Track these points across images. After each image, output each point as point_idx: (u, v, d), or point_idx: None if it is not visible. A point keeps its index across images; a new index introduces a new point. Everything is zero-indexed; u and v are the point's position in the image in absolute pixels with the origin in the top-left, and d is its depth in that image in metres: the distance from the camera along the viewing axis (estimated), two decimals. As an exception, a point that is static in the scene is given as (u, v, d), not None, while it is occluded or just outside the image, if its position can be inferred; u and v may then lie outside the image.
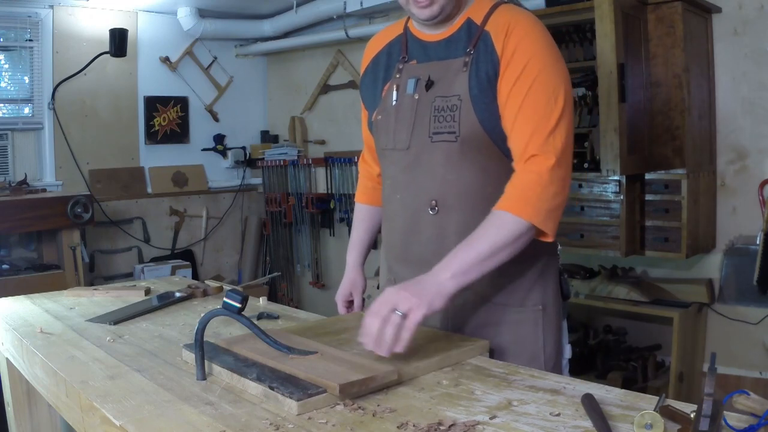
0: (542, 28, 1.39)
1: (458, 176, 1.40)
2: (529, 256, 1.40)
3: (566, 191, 1.35)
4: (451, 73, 1.42)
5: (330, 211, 4.83)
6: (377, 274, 4.59)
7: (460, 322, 1.47)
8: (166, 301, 1.89)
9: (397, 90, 1.49)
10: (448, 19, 1.44)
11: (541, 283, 1.48)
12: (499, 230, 1.28)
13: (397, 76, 1.50)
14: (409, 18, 1.53)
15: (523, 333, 1.46)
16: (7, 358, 1.77)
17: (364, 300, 1.73)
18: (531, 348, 1.46)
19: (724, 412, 0.92)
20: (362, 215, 1.77)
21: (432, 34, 1.48)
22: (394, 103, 1.49)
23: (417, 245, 1.47)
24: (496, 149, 1.39)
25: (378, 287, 1.77)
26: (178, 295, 1.91)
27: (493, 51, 1.37)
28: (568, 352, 1.56)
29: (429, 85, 1.44)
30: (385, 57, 1.57)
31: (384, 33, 1.61)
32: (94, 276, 4.48)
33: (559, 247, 1.56)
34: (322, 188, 4.84)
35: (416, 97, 1.45)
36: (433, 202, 1.43)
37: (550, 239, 1.34)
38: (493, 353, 1.40)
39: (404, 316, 1.18)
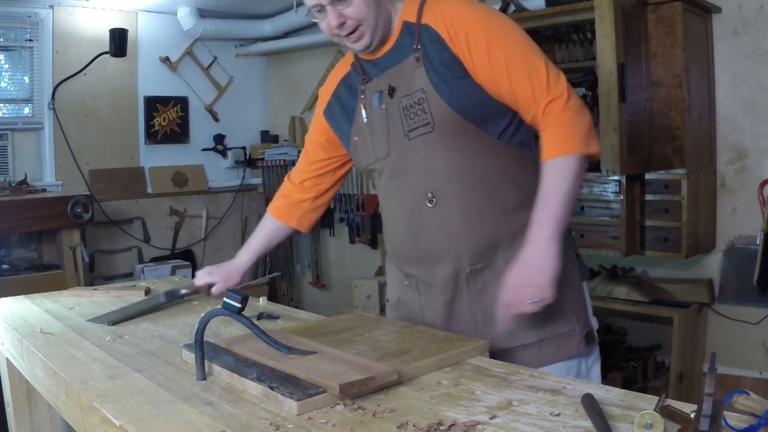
0: (468, 2, 1.46)
1: (446, 163, 1.44)
2: (510, 221, 1.48)
3: (587, 110, 1.42)
4: (407, 72, 1.47)
5: (330, 211, 4.83)
6: (377, 274, 4.59)
7: (486, 305, 1.48)
8: (173, 297, 1.89)
9: (365, 108, 1.55)
10: (385, 39, 1.50)
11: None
12: (561, 174, 1.37)
13: (362, 96, 1.57)
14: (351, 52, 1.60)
15: (546, 313, 1.44)
16: (7, 358, 1.77)
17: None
18: (560, 311, 1.48)
19: (724, 412, 0.92)
20: (266, 224, 1.86)
21: (378, 52, 1.53)
22: (365, 120, 1.56)
23: (423, 241, 1.50)
24: (474, 128, 1.44)
25: (387, 300, 1.77)
26: (183, 292, 1.90)
27: (438, 38, 1.42)
28: (594, 321, 1.58)
29: (391, 92, 1.49)
30: (344, 88, 1.63)
31: (335, 73, 1.68)
32: (94, 276, 4.48)
33: (573, 231, 1.58)
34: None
35: (383, 107, 1.51)
36: (430, 194, 1.47)
37: (598, 156, 1.43)
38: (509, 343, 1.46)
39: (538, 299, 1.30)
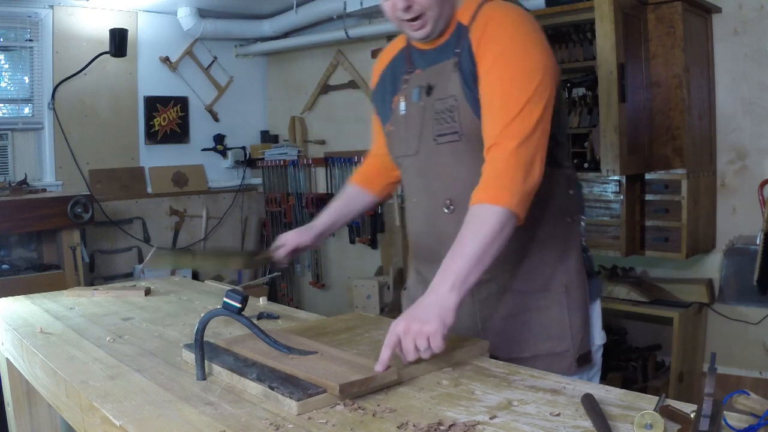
0: (517, 18, 1.39)
1: (469, 173, 1.40)
2: (549, 237, 1.46)
3: (536, 172, 1.31)
4: (445, 75, 1.46)
5: (330, 211, 4.82)
6: (377, 274, 4.59)
7: (486, 314, 1.49)
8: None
9: (405, 100, 1.54)
10: (443, 31, 1.48)
11: (563, 264, 1.49)
12: (483, 226, 1.26)
13: (404, 86, 1.55)
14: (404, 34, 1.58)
15: (550, 317, 1.47)
16: (7, 358, 1.77)
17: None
18: (558, 331, 1.47)
19: (724, 412, 0.92)
20: (347, 190, 1.82)
21: (430, 43, 1.51)
22: (402, 112, 1.55)
23: (435, 244, 1.50)
24: None
25: (405, 288, 1.78)
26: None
27: (470, 48, 1.40)
28: (600, 337, 1.55)
29: (429, 90, 1.48)
30: (390, 71, 1.62)
31: (388, 49, 1.66)
32: (94, 276, 4.48)
33: (583, 222, 1.56)
34: (322, 188, 4.84)
35: (421, 104, 1.50)
36: (448, 201, 1.47)
37: (520, 221, 1.30)
38: (520, 343, 1.47)
39: (427, 347, 1.18)
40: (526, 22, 1.39)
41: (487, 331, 1.49)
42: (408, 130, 1.53)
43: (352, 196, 1.81)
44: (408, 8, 1.39)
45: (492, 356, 1.41)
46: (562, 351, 1.48)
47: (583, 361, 1.50)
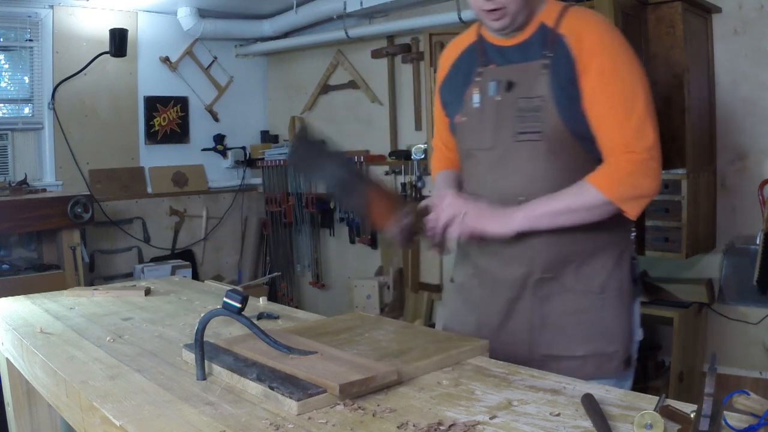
0: (614, 30, 1.48)
1: (544, 173, 1.47)
2: (610, 243, 1.53)
3: (657, 182, 1.44)
4: (531, 75, 1.48)
5: (330, 211, 4.83)
6: (377, 274, 4.60)
7: (546, 311, 1.53)
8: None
9: (480, 93, 1.55)
10: (522, 26, 1.51)
11: (618, 268, 1.55)
12: (578, 196, 1.42)
13: (478, 79, 1.56)
14: (479, 26, 1.61)
15: (604, 318, 1.53)
16: (7, 358, 1.77)
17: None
18: (610, 332, 1.53)
19: (724, 412, 0.92)
20: (444, 175, 1.75)
21: (507, 39, 1.54)
22: (476, 105, 1.55)
23: (503, 240, 1.50)
24: (578, 146, 1.47)
25: (451, 280, 1.77)
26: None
27: (569, 54, 1.44)
28: (639, 334, 1.63)
29: (509, 87, 1.49)
30: (464, 63, 1.62)
31: (458, 41, 1.67)
32: (94, 276, 4.48)
33: (634, 232, 1.62)
34: (322, 188, 4.84)
35: (498, 99, 1.51)
36: (521, 198, 1.49)
37: (631, 216, 1.45)
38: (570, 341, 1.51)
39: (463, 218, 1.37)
40: (619, 33, 1.49)
41: (546, 327, 1.53)
42: (483, 124, 1.54)
43: (455, 180, 1.72)
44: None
45: (547, 356, 1.51)
46: (612, 352, 1.53)
47: (628, 363, 1.56)
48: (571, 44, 1.44)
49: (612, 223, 1.48)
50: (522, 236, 1.47)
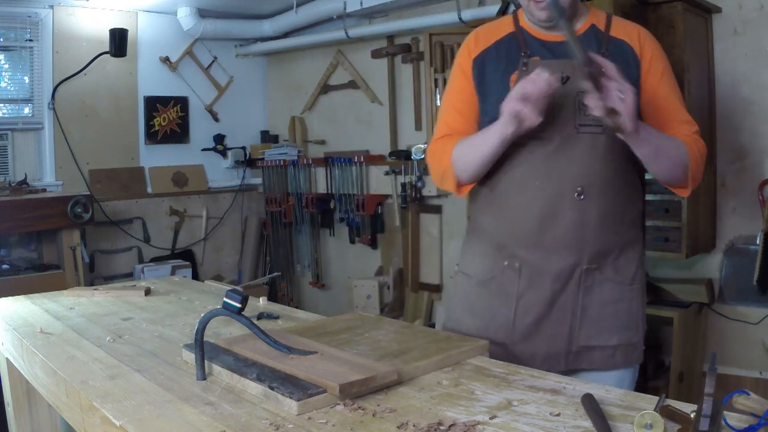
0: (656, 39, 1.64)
1: (603, 165, 1.52)
2: (638, 237, 1.63)
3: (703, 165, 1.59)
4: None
5: (330, 211, 4.83)
6: (377, 274, 4.60)
7: (588, 302, 1.57)
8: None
9: None
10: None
11: (642, 262, 1.65)
12: (678, 147, 1.50)
13: (524, 69, 1.55)
14: (516, 18, 1.63)
15: (632, 309, 1.61)
16: (7, 358, 1.77)
17: None
18: (635, 323, 1.62)
19: (724, 412, 0.92)
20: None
21: (554, 35, 1.57)
22: None
23: (555, 230, 1.53)
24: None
25: (465, 272, 1.72)
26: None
27: (633, 55, 1.55)
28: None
29: (565, 80, 1.51)
30: (504, 48, 1.61)
31: (494, 28, 1.66)
32: (94, 276, 4.48)
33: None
34: (322, 188, 4.84)
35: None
36: (580, 188, 1.51)
37: (684, 193, 1.59)
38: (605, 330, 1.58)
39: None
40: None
41: (585, 319, 1.57)
42: None
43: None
44: None
45: (582, 346, 1.57)
46: (636, 342, 1.62)
47: (643, 353, 1.66)
48: (634, 48, 1.56)
49: (641, 217, 1.62)
50: (577, 226, 1.52)
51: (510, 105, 1.42)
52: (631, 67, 1.54)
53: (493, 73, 1.61)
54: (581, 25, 1.58)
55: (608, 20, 1.60)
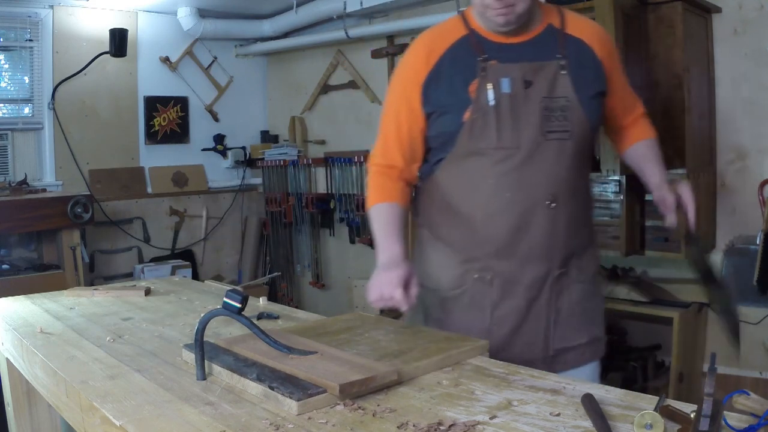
0: None
1: (570, 170, 1.52)
2: (594, 234, 1.67)
3: None
4: (549, 74, 1.49)
5: (330, 211, 4.83)
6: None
7: (560, 305, 1.58)
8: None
9: (493, 89, 1.48)
10: (526, 25, 1.50)
11: (598, 259, 1.70)
12: (657, 150, 1.72)
13: (483, 73, 1.49)
14: (466, 20, 1.55)
15: (596, 305, 1.66)
16: (7, 358, 1.77)
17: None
18: (599, 318, 1.66)
19: (724, 412, 0.92)
20: (392, 211, 1.60)
21: (510, 37, 1.51)
22: (491, 102, 1.48)
23: (528, 239, 1.52)
24: (592, 144, 1.61)
25: (458, 289, 1.64)
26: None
27: (592, 55, 1.54)
28: None
29: (527, 85, 1.48)
30: (457, 57, 1.52)
31: (444, 32, 1.56)
32: (94, 276, 4.48)
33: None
34: (322, 188, 4.84)
35: (516, 96, 1.48)
36: (551, 196, 1.50)
37: None
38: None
39: None
40: None
41: (558, 323, 1.58)
42: (500, 121, 1.48)
43: (400, 218, 1.60)
44: None
45: (560, 348, 1.57)
46: (600, 336, 1.65)
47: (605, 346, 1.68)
48: (593, 49, 1.54)
49: (592, 214, 1.68)
50: (549, 234, 1.52)
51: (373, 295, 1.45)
52: (589, 68, 1.52)
53: (450, 86, 1.52)
54: (538, 26, 1.52)
55: (562, 17, 1.55)
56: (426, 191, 1.66)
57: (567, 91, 1.48)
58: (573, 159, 1.51)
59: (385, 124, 1.63)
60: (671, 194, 1.58)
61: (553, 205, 1.50)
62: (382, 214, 1.60)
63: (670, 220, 1.58)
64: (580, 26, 1.55)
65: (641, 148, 1.72)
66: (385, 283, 1.43)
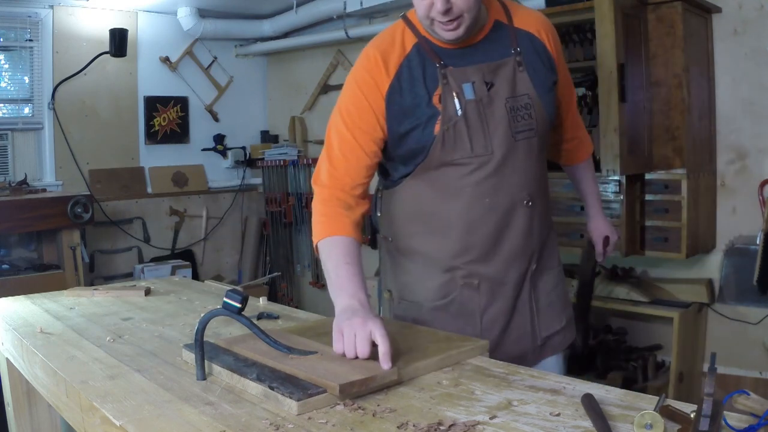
0: None
1: (538, 168, 1.56)
2: (552, 223, 1.69)
3: None
4: (507, 73, 1.48)
5: (330, 211, 4.82)
6: (377, 274, 4.59)
7: (537, 296, 1.62)
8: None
9: (457, 97, 1.45)
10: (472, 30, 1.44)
11: (557, 245, 1.73)
12: (593, 173, 1.90)
13: (445, 82, 1.45)
14: (412, 26, 1.49)
15: (563, 289, 1.70)
16: (7, 358, 1.77)
17: None
18: (568, 302, 1.73)
19: (724, 412, 0.92)
20: (350, 249, 1.45)
21: (462, 42, 1.45)
22: (459, 112, 1.45)
23: (509, 240, 1.54)
24: (548, 138, 1.64)
25: (417, 301, 1.62)
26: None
27: (543, 48, 1.53)
28: None
29: (489, 86, 1.47)
30: (413, 68, 1.46)
31: (394, 43, 1.49)
32: (94, 276, 4.48)
33: (574, 231, 1.95)
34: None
35: (481, 101, 1.46)
36: (528, 195, 1.52)
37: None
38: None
39: None
40: None
41: (540, 312, 1.62)
42: (470, 129, 1.45)
43: (358, 256, 1.46)
44: (448, 11, 1.35)
45: (545, 337, 1.63)
46: (571, 317, 1.72)
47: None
48: (543, 41, 1.53)
49: (550, 203, 1.70)
50: (528, 232, 1.54)
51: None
52: (542, 61, 1.52)
53: (414, 99, 1.46)
54: (486, 24, 1.48)
55: (507, 10, 1.52)
56: (392, 203, 1.60)
57: (527, 88, 1.49)
58: (540, 154, 1.55)
59: (337, 140, 1.49)
60: (604, 229, 1.89)
61: (530, 203, 1.53)
62: (339, 251, 1.43)
63: (599, 251, 1.90)
64: (526, 19, 1.53)
65: (579, 171, 1.88)
66: (350, 337, 1.21)
